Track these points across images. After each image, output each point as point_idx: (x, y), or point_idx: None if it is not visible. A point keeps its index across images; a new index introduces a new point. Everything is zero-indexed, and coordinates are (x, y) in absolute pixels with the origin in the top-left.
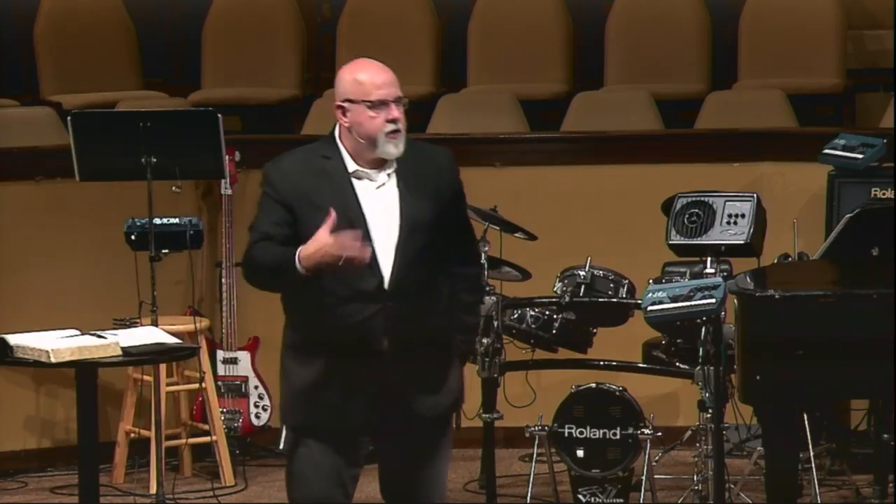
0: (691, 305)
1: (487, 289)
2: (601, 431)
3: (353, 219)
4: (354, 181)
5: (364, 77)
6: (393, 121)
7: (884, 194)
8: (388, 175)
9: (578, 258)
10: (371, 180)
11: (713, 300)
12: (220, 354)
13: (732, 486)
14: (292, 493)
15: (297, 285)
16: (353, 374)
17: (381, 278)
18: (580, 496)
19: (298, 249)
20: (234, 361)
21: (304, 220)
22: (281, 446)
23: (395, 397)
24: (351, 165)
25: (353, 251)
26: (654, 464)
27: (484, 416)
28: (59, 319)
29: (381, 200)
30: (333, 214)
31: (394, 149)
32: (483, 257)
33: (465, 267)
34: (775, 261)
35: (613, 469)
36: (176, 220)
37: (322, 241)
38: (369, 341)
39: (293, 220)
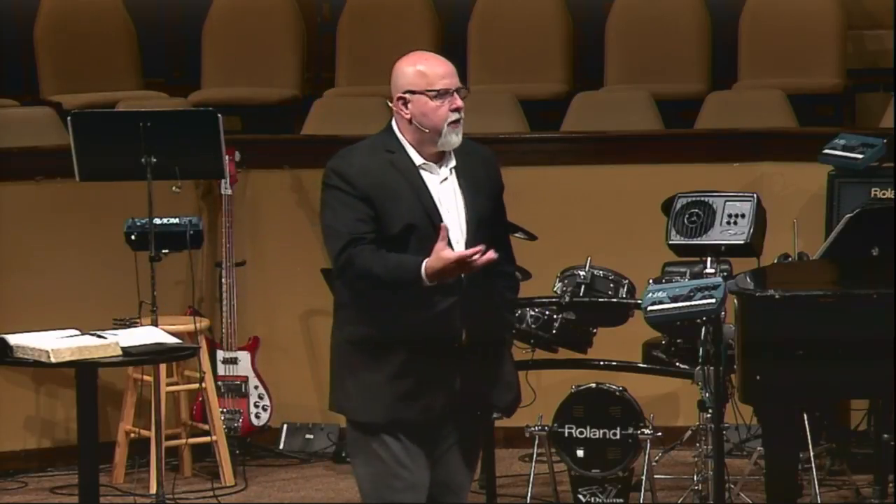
0: (691, 305)
1: None
2: (601, 431)
3: (428, 211)
4: (424, 174)
5: (425, 68)
6: (457, 109)
7: (884, 194)
8: (450, 170)
9: (578, 258)
10: (435, 174)
11: (713, 300)
12: (220, 354)
13: (732, 486)
14: (377, 490)
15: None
16: (432, 367)
17: None
18: (580, 496)
19: (424, 263)
20: (234, 361)
21: (383, 212)
22: (281, 446)
23: (471, 389)
24: (417, 158)
25: (472, 263)
26: (654, 464)
27: None
28: (59, 319)
29: (446, 194)
30: (446, 228)
31: (456, 138)
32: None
33: (506, 265)
34: (775, 261)
35: (613, 469)
36: (176, 220)
37: (447, 259)
38: (448, 333)
39: (374, 214)
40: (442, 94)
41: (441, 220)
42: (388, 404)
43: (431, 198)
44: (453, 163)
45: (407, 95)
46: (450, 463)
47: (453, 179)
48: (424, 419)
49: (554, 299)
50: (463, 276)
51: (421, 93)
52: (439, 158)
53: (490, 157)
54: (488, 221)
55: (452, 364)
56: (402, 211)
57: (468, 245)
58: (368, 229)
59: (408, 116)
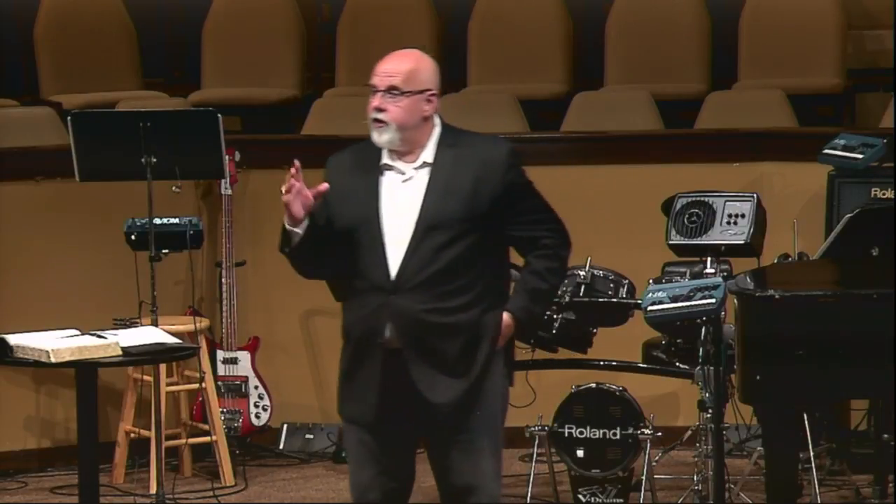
0: (691, 305)
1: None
2: (601, 431)
3: (367, 213)
4: (385, 173)
5: (381, 61)
6: (375, 109)
7: (884, 194)
8: (416, 169)
9: (578, 258)
10: (400, 173)
11: (713, 300)
12: (220, 354)
13: (732, 486)
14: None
15: (314, 257)
16: (368, 367)
17: (388, 272)
18: (580, 496)
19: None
20: (234, 361)
21: (334, 212)
22: (281, 446)
23: (403, 391)
24: (384, 158)
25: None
26: (654, 464)
27: None
28: (59, 319)
29: (404, 194)
30: (297, 165)
31: (377, 136)
32: (566, 237)
33: (541, 248)
34: (775, 261)
35: (613, 469)
36: (176, 220)
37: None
38: (374, 333)
39: (329, 211)
40: (372, 89)
41: (378, 224)
42: (341, 401)
43: (377, 200)
44: (428, 159)
45: None
46: (448, 465)
47: (421, 178)
48: (366, 419)
49: (554, 299)
50: (393, 279)
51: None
52: (410, 157)
53: (495, 151)
54: (453, 222)
55: (383, 365)
56: (349, 212)
57: (412, 246)
58: (321, 222)
59: None
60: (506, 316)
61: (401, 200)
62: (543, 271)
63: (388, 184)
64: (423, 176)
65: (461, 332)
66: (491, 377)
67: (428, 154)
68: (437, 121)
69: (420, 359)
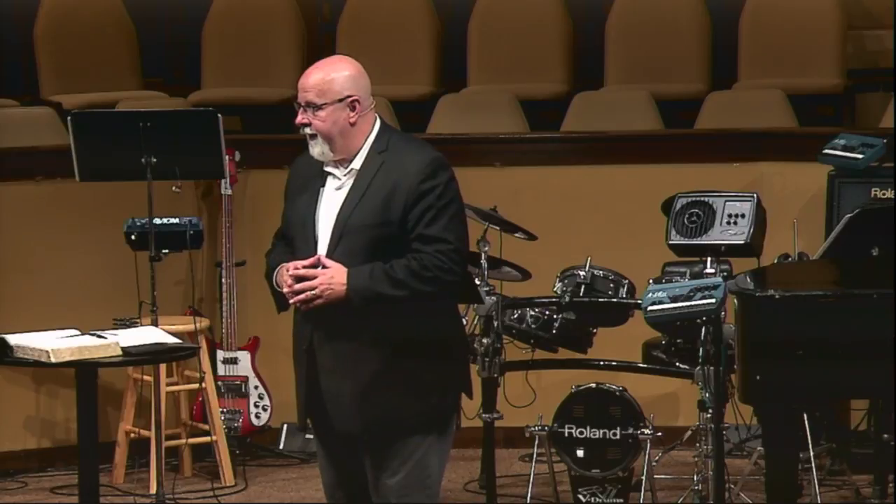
0: (691, 305)
1: (487, 289)
2: (601, 431)
3: (306, 218)
4: (327, 179)
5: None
6: (300, 125)
7: (884, 194)
8: (345, 175)
9: (578, 258)
10: (336, 179)
11: (713, 300)
12: (220, 354)
13: (732, 486)
14: None
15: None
16: (300, 373)
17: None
18: (580, 496)
19: (280, 265)
20: (234, 361)
21: (287, 215)
22: (281, 446)
23: (322, 401)
24: (328, 165)
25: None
26: (654, 464)
27: (484, 416)
28: (59, 319)
29: (333, 201)
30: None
31: (311, 150)
32: (453, 265)
33: (417, 257)
34: (775, 261)
35: (613, 469)
36: (176, 220)
37: (284, 275)
38: (300, 341)
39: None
40: (298, 105)
41: (313, 231)
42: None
43: (315, 207)
44: (357, 166)
45: None
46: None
47: (348, 185)
48: (302, 424)
49: (554, 299)
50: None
51: None
52: (345, 162)
53: (413, 161)
54: (363, 229)
55: (309, 373)
56: (294, 216)
57: (328, 255)
58: (285, 228)
59: None
60: (344, 277)
61: (330, 207)
62: (402, 267)
63: (327, 190)
64: (350, 182)
65: (374, 342)
66: (406, 387)
67: (357, 160)
68: (376, 125)
69: (335, 367)
